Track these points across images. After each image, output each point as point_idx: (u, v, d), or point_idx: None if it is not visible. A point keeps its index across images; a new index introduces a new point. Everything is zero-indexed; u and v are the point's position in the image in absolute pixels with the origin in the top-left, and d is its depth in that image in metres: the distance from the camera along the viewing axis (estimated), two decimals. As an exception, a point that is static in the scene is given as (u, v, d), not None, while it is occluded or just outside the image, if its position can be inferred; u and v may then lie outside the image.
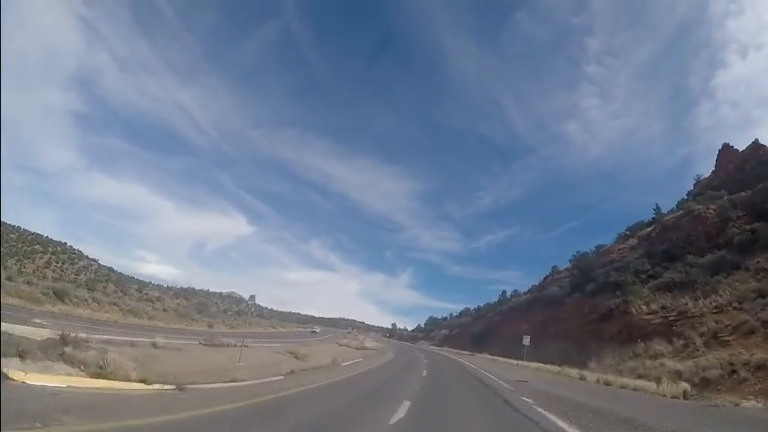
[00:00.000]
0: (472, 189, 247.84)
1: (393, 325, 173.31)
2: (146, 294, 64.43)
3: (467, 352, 58.59)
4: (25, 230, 73.07)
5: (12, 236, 65.88)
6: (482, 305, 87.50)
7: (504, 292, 78.76)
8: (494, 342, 59.88)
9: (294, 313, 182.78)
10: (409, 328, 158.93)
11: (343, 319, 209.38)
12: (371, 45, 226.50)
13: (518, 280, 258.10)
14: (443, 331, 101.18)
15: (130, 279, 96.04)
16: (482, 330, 70.05)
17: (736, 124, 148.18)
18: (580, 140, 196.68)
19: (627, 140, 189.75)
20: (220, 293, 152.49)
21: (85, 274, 68.44)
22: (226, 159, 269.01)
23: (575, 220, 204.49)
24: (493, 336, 63.51)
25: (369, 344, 45.96)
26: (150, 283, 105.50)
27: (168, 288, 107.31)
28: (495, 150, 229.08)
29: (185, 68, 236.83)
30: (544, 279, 61.17)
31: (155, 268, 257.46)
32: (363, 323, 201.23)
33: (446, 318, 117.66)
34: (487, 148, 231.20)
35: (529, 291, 64.22)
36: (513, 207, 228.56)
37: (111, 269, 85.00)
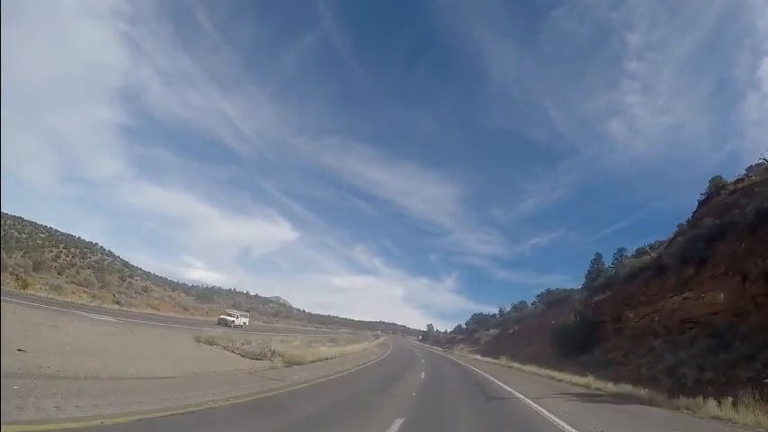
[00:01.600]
0: (516, 192, 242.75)
1: (429, 326, 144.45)
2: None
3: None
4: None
5: (41, 235, 70.15)
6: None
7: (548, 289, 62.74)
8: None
9: (336, 317, 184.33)
10: (448, 330, 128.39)
11: (383, 322, 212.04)
12: (410, 51, 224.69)
13: (564, 283, 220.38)
14: (492, 331, 70.71)
15: (177, 284, 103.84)
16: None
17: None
18: (624, 139, 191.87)
19: (672, 137, 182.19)
20: (265, 297, 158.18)
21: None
22: (269, 167, 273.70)
23: (621, 220, 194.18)
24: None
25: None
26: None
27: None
28: (538, 152, 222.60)
29: (227, 80, 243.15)
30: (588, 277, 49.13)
31: (201, 274, 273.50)
32: (404, 326, 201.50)
33: (495, 315, 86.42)
34: (530, 150, 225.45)
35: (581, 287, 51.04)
36: (557, 209, 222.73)
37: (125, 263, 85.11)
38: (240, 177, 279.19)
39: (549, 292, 59.65)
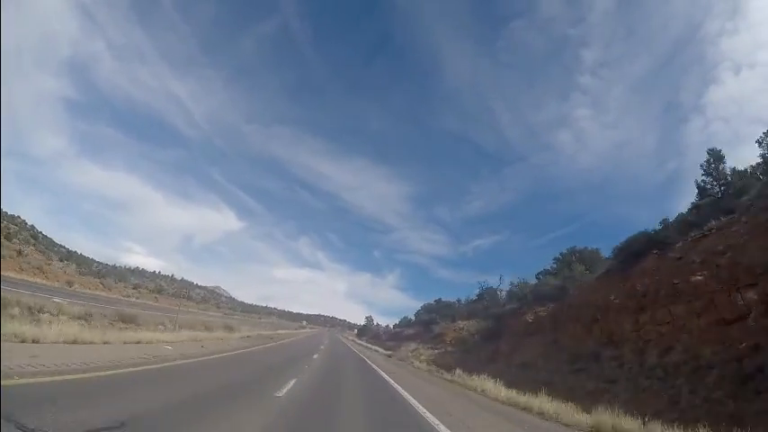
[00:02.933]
0: (462, 193, 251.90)
1: (368, 319, 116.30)
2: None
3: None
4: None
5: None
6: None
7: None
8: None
9: (274, 309, 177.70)
10: (390, 325, 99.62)
11: (323, 315, 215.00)
12: (368, 46, 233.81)
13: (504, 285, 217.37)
14: (468, 324, 42.53)
15: (113, 269, 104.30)
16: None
17: (728, 140, 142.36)
18: (571, 150, 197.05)
19: (618, 152, 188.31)
20: (205, 287, 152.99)
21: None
22: (217, 153, 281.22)
23: (562, 228, 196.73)
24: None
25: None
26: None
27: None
28: (486, 156, 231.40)
29: (181, 60, 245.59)
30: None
31: (141, 260, 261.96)
32: (344, 320, 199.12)
33: (458, 302, 58.83)
34: (479, 153, 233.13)
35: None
36: (501, 213, 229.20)
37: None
38: (187, 162, 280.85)
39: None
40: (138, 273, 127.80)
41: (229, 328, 30.70)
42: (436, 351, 38.17)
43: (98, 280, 75.13)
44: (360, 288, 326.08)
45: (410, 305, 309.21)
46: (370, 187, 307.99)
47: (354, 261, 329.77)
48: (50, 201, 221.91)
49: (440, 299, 66.21)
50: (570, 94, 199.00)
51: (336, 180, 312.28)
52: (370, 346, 55.47)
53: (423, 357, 33.55)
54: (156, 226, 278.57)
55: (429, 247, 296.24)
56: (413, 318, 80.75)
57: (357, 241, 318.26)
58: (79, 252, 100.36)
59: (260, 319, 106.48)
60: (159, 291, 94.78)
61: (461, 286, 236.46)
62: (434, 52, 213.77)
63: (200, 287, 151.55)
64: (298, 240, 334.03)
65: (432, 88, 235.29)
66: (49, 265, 67.21)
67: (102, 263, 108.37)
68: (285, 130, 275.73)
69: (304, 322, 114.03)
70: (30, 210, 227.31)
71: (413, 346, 46.67)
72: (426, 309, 68.75)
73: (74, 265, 79.52)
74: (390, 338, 65.27)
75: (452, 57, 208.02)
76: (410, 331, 57.90)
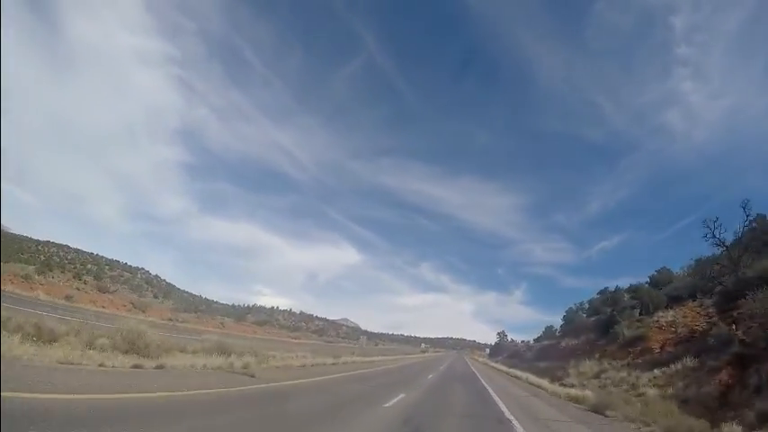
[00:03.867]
0: (579, 195, 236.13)
1: (500, 335, 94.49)
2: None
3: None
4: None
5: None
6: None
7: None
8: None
9: (403, 335, 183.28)
10: (529, 340, 75.97)
11: (451, 338, 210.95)
12: (455, 65, 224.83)
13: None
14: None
15: (247, 309, 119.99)
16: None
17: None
18: (683, 128, 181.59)
19: (731, 121, 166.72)
20: (333, 321, 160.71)
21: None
22: (329, 192, 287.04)
23: (690, 214, 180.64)
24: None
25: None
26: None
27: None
28: (596, 152, 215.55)
29: (279, 111, 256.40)
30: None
31: (271, 300, 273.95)
32: (473, 341, 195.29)
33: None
34: (589, 150, 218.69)
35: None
36: (622, 209, 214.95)
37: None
38: (301, 205, 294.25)
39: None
40: (256, 310, 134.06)
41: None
42: (659, 372, 17.88)
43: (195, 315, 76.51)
44: (486, 307, 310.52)
45: (539, 319, 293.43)
46: (483, 204, 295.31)
47: (478, 280, 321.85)
48: (180, 255, 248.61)
49: (607, 288, 43.29)
50: (670, 69, 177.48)
51: (449, 201, 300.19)
52: (508, 370, 36.42)
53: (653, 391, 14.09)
54: (280, 268, 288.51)
55: (552, 256, 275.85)
56: (557, 328, 58.36)
57: (479, 260, 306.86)
58: (212, 298, 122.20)
59: (376, 345, 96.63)
60: (263, 323, 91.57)
61: (587, 293, 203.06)
62: (523, 56, 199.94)
63: (319, 318, 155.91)
64: (419, 266, 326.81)
65: (527, 93, 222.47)
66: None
67: (234, 305, 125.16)
68: (389, 161, 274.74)
69: (423, 345, 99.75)
70: (160, 265, 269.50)
71: (586, 366, 26.23)
72: (593, 304, 46.27)
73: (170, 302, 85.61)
74: (540, 357, 44.39)
75: (542, 56, 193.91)
76: (573, 341, 36.33)
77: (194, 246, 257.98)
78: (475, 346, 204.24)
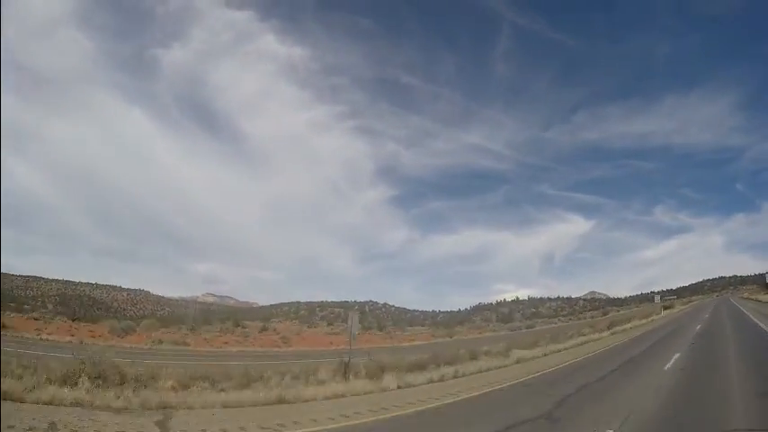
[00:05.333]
0: None
1: None
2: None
3: None
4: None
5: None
6: None
7: None
8: None
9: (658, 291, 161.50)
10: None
11: (708, 280, 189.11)
12: None
13: None
14: None
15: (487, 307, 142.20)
16: None
17: None
18: None
19: None
20: (579, 298, 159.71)
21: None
22: (536, 170, 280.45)
23: None
24: None
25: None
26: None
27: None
28: None
29: (458, 116, 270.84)
30: None
31: (513, 294, 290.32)
32: (735, 276, 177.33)
33: None
34: None
35: None
36: None
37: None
38: (513, 193, 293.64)
39: None
40: (496, 306, 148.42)
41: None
42: None
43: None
44: (739, 233, 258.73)
45: None
46: (693, 121, 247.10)
47: (720, 206, 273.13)
48: (418, 279, 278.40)
49: None
50: None
51: (658, 132, 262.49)
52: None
53: None
54: (514, 260, 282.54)
55: None
56: None
57: (712, 183, 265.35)
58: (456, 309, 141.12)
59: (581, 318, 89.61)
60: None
61: None
62: None
63: (556, 299, 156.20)
64: (653, 213, 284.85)
65: None
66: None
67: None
68: (581, 116, 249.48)
69: (658, 298, 79.49)
70: (405, 294, 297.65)
71: None
72: None
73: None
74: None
75: None
76: None
77: (428, 266, 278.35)
78: (738, 282, 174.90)
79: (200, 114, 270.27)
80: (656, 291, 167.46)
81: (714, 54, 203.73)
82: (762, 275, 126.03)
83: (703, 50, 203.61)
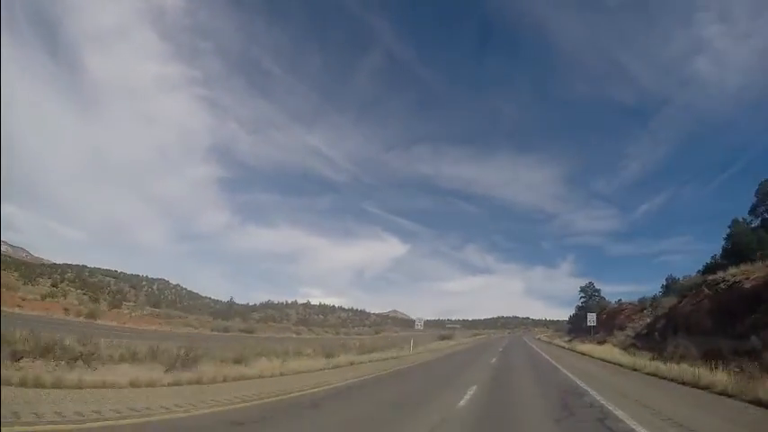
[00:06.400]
0: (616, 159, 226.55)
1: (587, 288, 66.16)
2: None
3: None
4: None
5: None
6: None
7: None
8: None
9: (449, 320, 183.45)
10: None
11: (502, 317, 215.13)
12: (474, 42, 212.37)
13: (688, 245, 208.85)
14: None
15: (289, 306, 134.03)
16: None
17: None
18: (714, 77, 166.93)
19: (764, 61, 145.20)
20: (382, 314, 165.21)
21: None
22: (367, 188, 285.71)
23: (732, 165, 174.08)
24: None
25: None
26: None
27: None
28: (628, 113, 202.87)
29: (307, 114, 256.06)
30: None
31: (320, 301, 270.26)
32: (526, 318, 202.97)
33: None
34: (620, 111, 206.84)
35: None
36: (663, 167, 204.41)
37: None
38: (341, 203, 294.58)
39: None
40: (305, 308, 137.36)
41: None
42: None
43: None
44: (536, 283, 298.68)
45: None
46: (520, 179, 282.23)
47: (524, 257, 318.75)
48: (228, 267, 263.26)
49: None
50: (692, 14, 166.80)
51: (486, 181, 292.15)
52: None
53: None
54: (327, 268, 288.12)
55: (596, 224, 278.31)
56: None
57: (523, 236, 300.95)
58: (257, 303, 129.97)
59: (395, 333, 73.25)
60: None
61: (637, 261, 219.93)
62: (540, 22, 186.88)
63: (343, 309, 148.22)
64: (464, 250, 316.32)
65: (550, 60, 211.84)
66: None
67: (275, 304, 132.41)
68: (423, 149, 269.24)
69: (420, 324, 62.73)
70: (209, 278, 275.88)
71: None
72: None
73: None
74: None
75: (560, 19, 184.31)
76: None
77: (240, 257, 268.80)
78: (530, 323, 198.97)
79: (45, 31, 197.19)
80: (452, 319, 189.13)
81: (553, 130, 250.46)
82: (553, 321, 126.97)
83: (545, 124, 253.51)
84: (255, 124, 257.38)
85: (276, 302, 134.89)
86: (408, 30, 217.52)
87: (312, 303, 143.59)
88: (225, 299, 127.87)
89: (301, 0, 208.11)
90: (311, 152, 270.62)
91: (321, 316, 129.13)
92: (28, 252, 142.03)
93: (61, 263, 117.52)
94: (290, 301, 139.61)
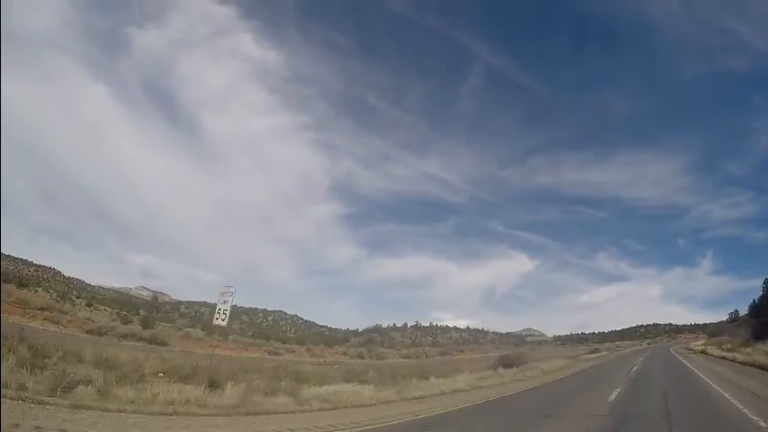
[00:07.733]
0: (743, 135, 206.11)
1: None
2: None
3: None
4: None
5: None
6: None
7: None
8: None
9: (585, 333, 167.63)
10: None
11: (641, 326, 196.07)
12: (571, 43, 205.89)
13: None
14: None
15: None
16: None
17: None
18: None
19: None
20: (514, 333, 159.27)
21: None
22: (488, 206, 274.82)
23: None
24: None
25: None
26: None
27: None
28: (745, 81, 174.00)
29: (419, 143, 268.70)
30: None
31: (452, 323, 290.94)
32: (670, 324, 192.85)
33: None
34: (735, 82, 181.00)
35: None
36: None
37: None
38: (464, 225, 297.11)
39: None
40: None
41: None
42: None
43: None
44: (674, 286, 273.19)
45: (735, 288, 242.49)
46: (644, 176, 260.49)
47: (659, 258, 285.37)
48: (358, 299, 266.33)
49: None
50: None
51: (608, 183, 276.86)
52: None
53: None
54: (456, 290, 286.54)
55: (732, 212, 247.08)
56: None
57: (655, 237, 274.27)
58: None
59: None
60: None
61: None
62: (635, 9, 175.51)
63: (494, 333, 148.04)
64: (594, 258, 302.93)
65: (653, 45, 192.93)
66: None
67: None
68: (539, 159, 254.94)
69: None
70: (341, 312, 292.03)
71: None
72: None
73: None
74: None
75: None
76: None
77: (370, 287, 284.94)
78: (672, 330, 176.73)
79: (163, 102, 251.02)
80: (587, 332, 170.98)
81: (670, 118, 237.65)
82: (703, 326, 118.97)
83: (661, 113, 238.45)
84: (369, 159, 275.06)
85: (384, 326, 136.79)
86: (503, 43, 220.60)
87: (422, 325, 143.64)
88: (360, 328, 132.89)
89: (392, 33, 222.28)
90: (428, 178, 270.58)
91: (430, 337, 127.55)
92: (169, 295, 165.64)
93: (198, 300, 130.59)
94: (398, 324, 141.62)
